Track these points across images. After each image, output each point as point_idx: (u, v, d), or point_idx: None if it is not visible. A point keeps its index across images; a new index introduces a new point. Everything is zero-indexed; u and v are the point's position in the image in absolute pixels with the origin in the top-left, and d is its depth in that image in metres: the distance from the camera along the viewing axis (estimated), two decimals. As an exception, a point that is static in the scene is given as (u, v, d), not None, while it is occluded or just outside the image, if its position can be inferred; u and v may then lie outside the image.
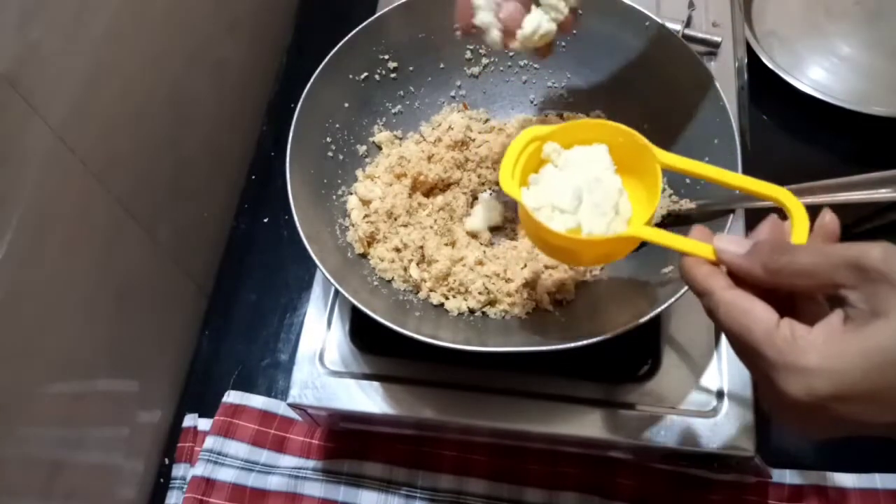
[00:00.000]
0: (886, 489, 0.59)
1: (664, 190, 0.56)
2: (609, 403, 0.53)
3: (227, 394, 0.66)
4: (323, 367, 0.55)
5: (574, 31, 0.60)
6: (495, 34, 0.47)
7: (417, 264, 0.55)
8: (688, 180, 0.55)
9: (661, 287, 0.49)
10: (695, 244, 0.38)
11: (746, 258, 0.35)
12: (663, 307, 0.46)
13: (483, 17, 0.46)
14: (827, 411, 0.30)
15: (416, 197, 0.59)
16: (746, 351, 0.33)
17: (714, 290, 0.35)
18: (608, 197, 0.43)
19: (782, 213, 0.39)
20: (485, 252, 0.57)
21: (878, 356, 0.29)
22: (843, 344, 0.30)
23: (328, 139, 0.59)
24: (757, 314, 0.33)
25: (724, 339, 0.54)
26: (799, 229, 0.37)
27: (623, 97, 0.62)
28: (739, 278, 0.35)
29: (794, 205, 0.38)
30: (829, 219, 0.35)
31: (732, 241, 0.36)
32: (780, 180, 0.49)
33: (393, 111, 0.63)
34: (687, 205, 0.53)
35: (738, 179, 0.42)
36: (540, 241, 0.45)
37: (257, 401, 0.66)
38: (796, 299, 0.34)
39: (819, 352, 0.30)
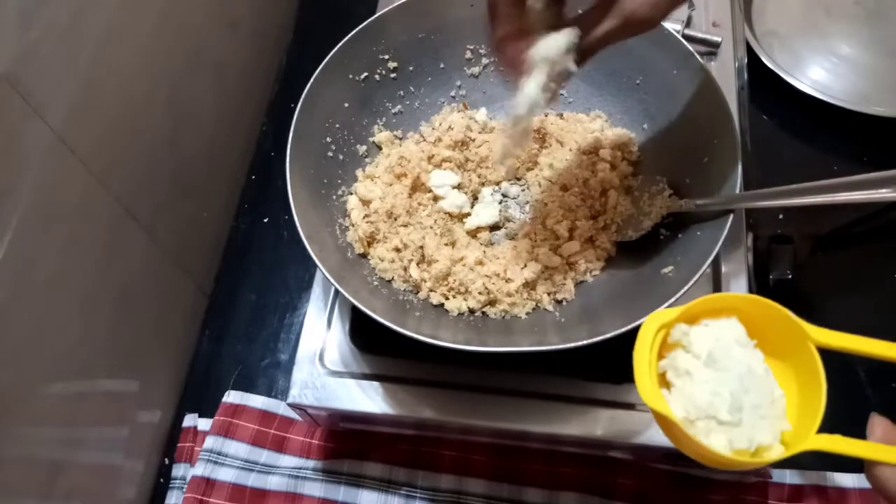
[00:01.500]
0: (886, 489, 0.59)
1: (663, 190, 0.56)
2: (609, 403, 0.53)
3: (227, 394, 0.66)
4: (323, 367, 0.55)
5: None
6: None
7: (417, 264, 0.55)
8: (687, 179, 0.56)
9: (662, 287, 0.49)
10: (887, 450, 0.33)
11: None
12: (663, 307, 0.46)
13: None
14: None
15: (416, 197, 0.59)
16: None
17: None
18: (764, 391, 0.36)
19: None
20: (485, 252, 0.57)
21: None
22: None
23: (328, 139, 0.59)
24: None
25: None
26: None
27: (623, 97, 0.62)
28: None
29: None
30: None
31: None
32: (781, 180, 0.49)
33: (393, 111, 0.63)
34: (687, 205, 0.53)
35: None
36: (695, 454, 0.37)
37: (257, 401, 0.66)
38: None
39: None
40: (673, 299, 0.46)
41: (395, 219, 0.57)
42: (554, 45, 0.42)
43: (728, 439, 0.35)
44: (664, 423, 0.37)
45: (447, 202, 0.58)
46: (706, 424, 0.36)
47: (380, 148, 0.62)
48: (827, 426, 0.35)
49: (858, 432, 0.36)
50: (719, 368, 0.37)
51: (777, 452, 0.36)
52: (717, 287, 0.56)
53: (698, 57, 0.56)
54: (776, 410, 0.36)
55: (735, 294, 0.41)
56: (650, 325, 0.38)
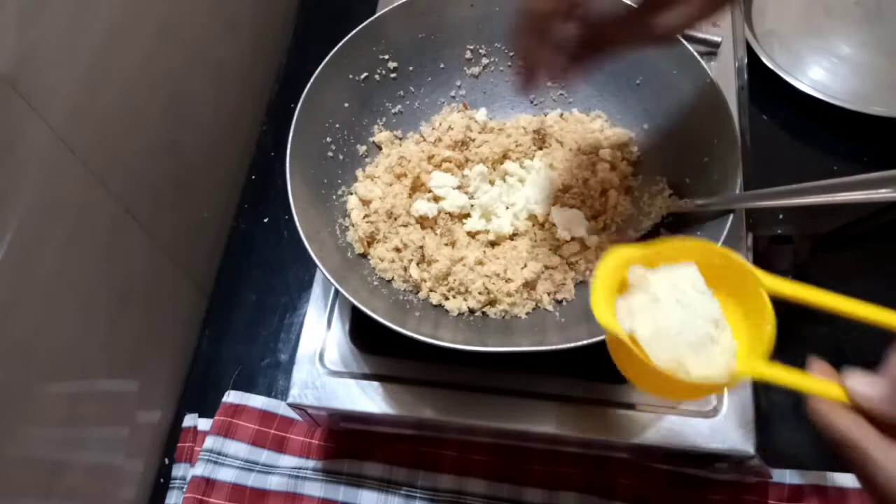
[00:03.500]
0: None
1: (663, 190, 0.56)
2: (609, 403, 0.53)
3: (227, 394, 0.66)
4: (323, 367, 0.55)
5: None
6: None
7: (417, 264, 0.55)
8: (687, 179, 0.56)
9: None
10: (824, 384, 0.34)
11: (889, 401, 0.31)
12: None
13: None
14: None
15: (417, 197, 0.59)
16: None
17: (867, 448, 0.31)
18: (708, 328, 0.38)
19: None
20: (485, 252, 0.57)
21: None
22: None
23: (328, 139, 0.59)
24: None
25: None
26: None
27: (623, 97, 0.62)
28: (878, 422, 0.32)
29: None
30: None
31: (867, 383, 0.32)
32: (781, 180, 0.49)
33: (393, 111, 0.63)
34: (687, 205, 0.53)
35: (868, 311, 0.36)
36: (634, 375, 0.40)
37: (257, 401, 0.66)
38: None
39: None
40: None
41: (395, 219, 0.57)
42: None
43: (666, 360, 0.37)
44: (614, 345, 0.39)
45: (447, 202, 0.58)
46: (648, 347, 0.37)
47: (380, 148, 0.62)
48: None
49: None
50: (666, 303, 0.38)
51: (721, 374, 0.36)
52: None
53: (698, 57, 0.56)
54: (719, 347, 0.38)
55: (692, 241, 0.42)
56: (612, 257, 0.40)
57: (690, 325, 0.37)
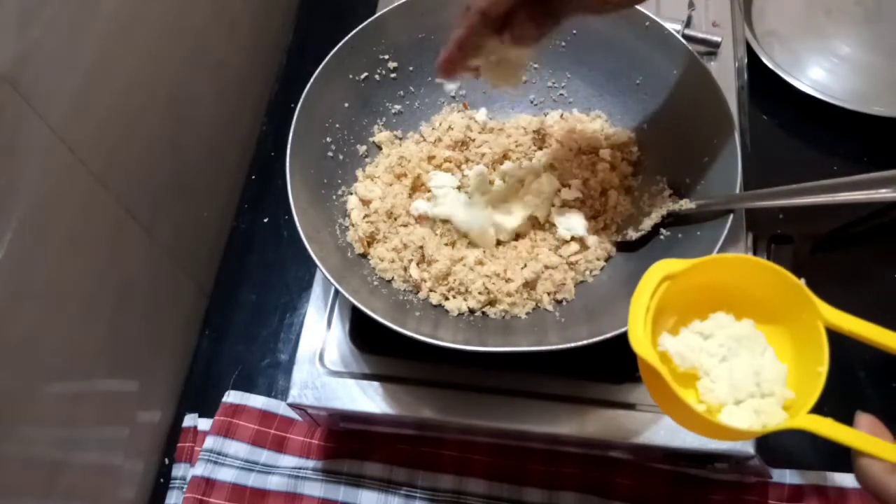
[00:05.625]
0: (886, 489, 0.59)
1: (663, 190, 0.56)
2: (609, 403, 0.53)
3: (227, 394, 0.66)
4: (323, 367, 0.55)
5: (574, 31, 0.61)
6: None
7: (417, 264, 0.55)
8: (687, 179, 0.56)
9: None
10: (877, 444, 0.33)
11: None
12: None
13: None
14: None
15: (417, 197, 0.59)
16: None
17: None
18: (761, 376, 0.36)
19: None
20: (485, 252, 0.57)
21: None
22: None
23: (328, 139, 0.59)
24: None
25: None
26: None
27: (623, 97, 0.62)
28: None
29: None
30: None
31: None
32: (781, 180, 0.49)
33: (393, 111, 0.63)
34: (687, 205, 0.53)
35: None
36: (670, 410, 0.38)
37: (257, 401, 0.66)
38: None
39: None
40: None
41: (395, 219, 0.57)
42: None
43: (708, 398, 0.35)
44: (650, 376, 0.36)
45: (441, 209, 0.59)
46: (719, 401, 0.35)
47: (380, 148, 0.62)
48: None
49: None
50: (715, 340, 0.37)
51: (770, 423, 0.35)
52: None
53: (698, 57, 0.56)
54: (767, 395, 0.36)
55: (745, 257, 0.39)
56: (655, 272, 0.37)
57: (742, 377, 0.36)
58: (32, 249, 0.48)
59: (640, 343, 0.35)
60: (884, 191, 0.43)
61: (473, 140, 0.62)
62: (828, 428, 0.34)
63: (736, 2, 0.70)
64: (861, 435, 0.33)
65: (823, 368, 0.35)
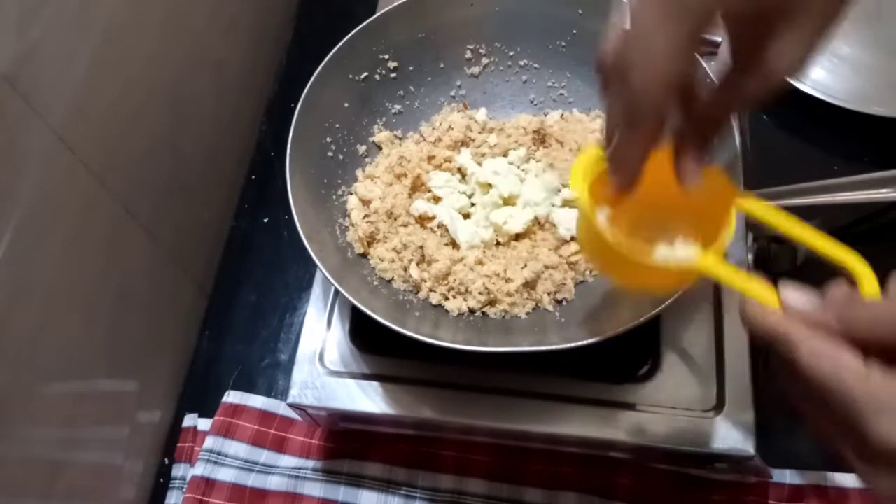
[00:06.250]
0: (886, 489, 0.59)
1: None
2: (609, 403, 0.53)
3: (227, 394, 0.66)
4: (323, 367, 0.55)
5: (574, 31, 0.61)
6: None
7: (417, 264, 0.55)
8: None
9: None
10: (761, 288, 0.36)
11: (819, 309, 0.33)
12: (663, 307, 0.46)
13: None
14: None
15: (417, 197, 0.59)
16: (833, 400, 0.31)
17: (797, 339, 0.33)
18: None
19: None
20: (485, 252, 0.57)
21: None
22: None
23: (328, 139, 0.59)
24: (846, 359, 0.31)
25: (724, 339, 0.54)
26: (869, 290, 0.36)
27: (623, 97, 0.62)
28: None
29: (863, 270, 0.37)
30: None
31: (800, 294, 0.35)
32: (781, 180, 0.49)
33: (393, 111, 0.63)
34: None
35: (813, 237, 0.41)
36: (593, 252, 0.42)
37: (257, 401, 0.66)
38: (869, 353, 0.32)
39: None
40: (672, 299, 0.46)
41: (395, 219, 0.57)
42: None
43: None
44: (583, 222, 0.42)
45: (443, 211, 0.58)
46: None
47: (380, 148, 0.62)
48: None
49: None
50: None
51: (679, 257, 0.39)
52: (717, 287, 0.56)
53: (698, 57, 0.56)
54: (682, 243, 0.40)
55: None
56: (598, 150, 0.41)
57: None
58: (32, 249, 0.48)
59: (578, 184, 0.40)
60: (884, 191, 0.44)
61: (473, 140, 0.62)
62: (727, 272, 0.38)
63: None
64: (752, 280, 0.37)
65: (729, 231, 0.40)
